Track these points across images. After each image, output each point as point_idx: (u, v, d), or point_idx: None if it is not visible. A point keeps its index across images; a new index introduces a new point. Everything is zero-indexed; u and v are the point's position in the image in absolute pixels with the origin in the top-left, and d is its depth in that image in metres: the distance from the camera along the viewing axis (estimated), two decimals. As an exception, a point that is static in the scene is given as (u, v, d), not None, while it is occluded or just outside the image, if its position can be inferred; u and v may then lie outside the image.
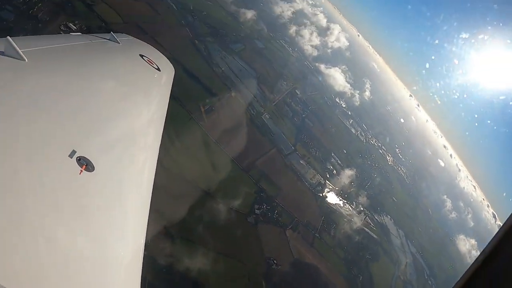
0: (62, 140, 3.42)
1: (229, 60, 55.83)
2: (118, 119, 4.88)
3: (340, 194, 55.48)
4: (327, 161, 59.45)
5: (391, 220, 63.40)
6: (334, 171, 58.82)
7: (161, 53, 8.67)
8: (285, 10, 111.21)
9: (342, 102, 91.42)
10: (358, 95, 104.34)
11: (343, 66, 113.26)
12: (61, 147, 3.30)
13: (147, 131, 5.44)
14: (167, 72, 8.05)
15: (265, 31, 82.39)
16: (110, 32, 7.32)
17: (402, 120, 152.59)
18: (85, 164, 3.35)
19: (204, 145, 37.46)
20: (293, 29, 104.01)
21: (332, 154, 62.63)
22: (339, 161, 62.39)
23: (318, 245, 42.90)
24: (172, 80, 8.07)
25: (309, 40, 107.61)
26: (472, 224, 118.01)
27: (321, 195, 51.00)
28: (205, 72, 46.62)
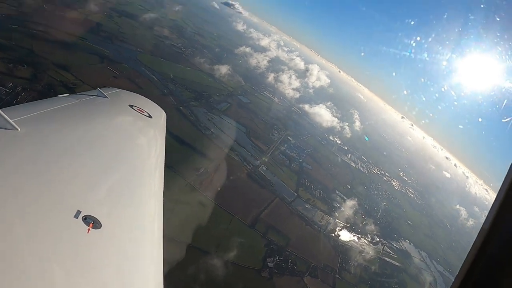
0: (65, 202, 3.44)
1: (217, 120, 57.32)
2: (117, 172, 4.93)
3: (352, 229, 54.74)
4: (333, 200, 59.16)
5: (410, 244, 62.29)
6: (342, 208, 58.30)
7: (149, 100, 8.86)
8: (260, 61, 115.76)
9: (336, 139, 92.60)
10: (348, 127, 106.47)
11: (328, 103, 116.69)
12: (65, 210, 3.32)
13: (149, 178, 5.40)
14: (159, 118, 8.19)
15: (247, 84, 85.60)
16: (97, 88, 7.50)
17: (398, 143, 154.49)
18: (92, 222, 3.36)
19: (205, 207, 37.57)
20: (271, 77, 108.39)
21: (337, 192, 62.48)
22: (344, 197, 62.03)
23: (341, 287, 42.03)
24: (165, 124, 8.23)
25: (289, 84, 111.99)
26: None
27: (333, 235, 50.32)
28: (195, 136, 47.99)
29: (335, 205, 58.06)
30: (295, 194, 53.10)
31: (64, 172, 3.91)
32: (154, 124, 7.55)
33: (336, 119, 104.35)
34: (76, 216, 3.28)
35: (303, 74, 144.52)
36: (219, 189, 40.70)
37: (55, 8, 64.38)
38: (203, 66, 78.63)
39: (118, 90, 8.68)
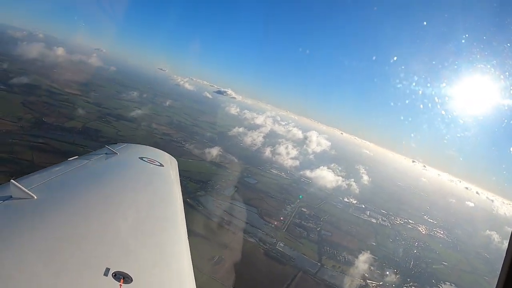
0: (92, 262, 3.50)
1: (226, 206, 57.95)
2: (139, 224, 5.02)
3: (387, 286, 53.23)
4: (360, 261, 57.82)
5: (451, 285, 60.17)
6: (371, 268, 56.91)
7: (158, 149, 9.25)
8: (256, 138, 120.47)
9: (351, 199, 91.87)
10: (355, 183, 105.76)
11: (332, 164, 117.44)
12: (94, 269, 3.37)
13: (171, 225, 5.46)
14: (170, 165, 8.40)
15: (252, 166, 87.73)
16: (104, 146, 7.85)
17: (414, 187, 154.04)
18: (122, 277, 3.38)
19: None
20: (272, 152, 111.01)
21: (363, 252, 61.19)
22: (372, 256, 60.41)
23: None
24: (177, 170, 8.43)
25: (289, 155, 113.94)
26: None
27: (367, 297, 48.92)
28: (205, 226, 48.17)
29: (363, 266, 56.57)
30: (319, 264, 52.10)
31: (86, 234, 4.03)
32: (166, 172, 7.84)
33: (340, 178, 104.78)
34: (105, 274, 3.33)
35: (302, 143, 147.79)
36: (237, 274, 40.55)
37: (54, 119, 68.72)
38: (205, 155, 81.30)
39: (125, 144, 9.00)
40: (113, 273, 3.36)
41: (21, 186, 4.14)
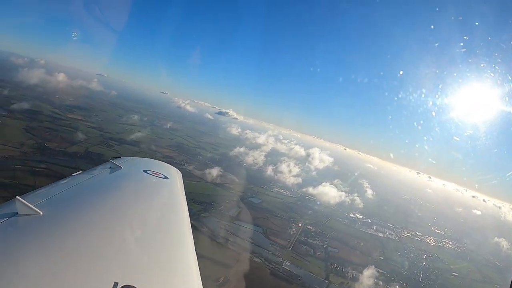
0: (101, 277, 3.49)
1: (231, 227, 57.82)
2: (146, 237, 5.03)
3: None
4: (368, 276, 57.25)
5: None
6: (380, 282, 56.33)
7: (162, 162, 9.27)
8: (257, 157, 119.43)
9: (357, 215, 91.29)
10: (358, 198, 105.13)
11: (335, 180, 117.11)
12: (103, 285, 3.36)
13: (178, 237, 5.52)
14: (175, 177, 8.38)
15: (255, 185, 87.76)
16: (108, 160, 7.86)
17: (420, 198, 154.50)
18: None
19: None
20: (275, 170, 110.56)
21: (370, 267, 60.74)
22: (380, 270, 59.87)
23: None
24: (182, 182, 8.40)
25: (292, 173, 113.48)
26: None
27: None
28: (209, 247, 48.05)
29: (372, 281, 56.14)
30: (326, 281, 51.80)
31: (94, 249, 4.01)
32: (171, 184, 7.82)
33: (344, 193, 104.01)
34: None
35: (305, 160, 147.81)
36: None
37: (56, 145, 69.40)
38: (208, 176, 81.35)
39: (129, 158, 9.04)
40: (122, 287, 3.34)
41: (26, 203, 4.16)
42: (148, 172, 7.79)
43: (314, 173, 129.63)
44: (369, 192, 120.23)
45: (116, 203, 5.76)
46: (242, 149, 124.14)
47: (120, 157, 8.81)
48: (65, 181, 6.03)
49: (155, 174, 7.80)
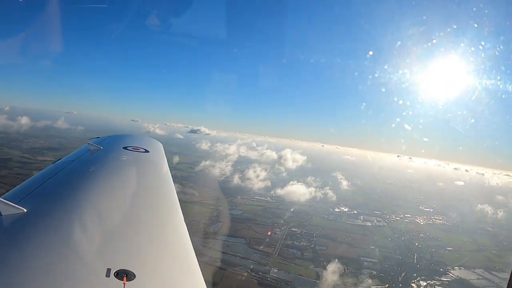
0: (93, 265, 3.44)
1: (214, 244, 56.78)
2: (134, 217, 4.95)
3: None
4: (361, 268, 57.06)
5: (461, 269, 60.54)
6: (373, 272, 56.09)
7: (141, 136, 9.68)
8: (224, 168, 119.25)
9: (343, 208, 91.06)
10: (330, 191, 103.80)
11: (308, 178, 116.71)
12: (95, 273, 3.30)
13: (166, 213, 5.41)
14: (156, 149, 8.66)
15: (236, 197, 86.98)
16: (86, 143, 8.03)
17: (405, 180, 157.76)
18: (125, 275, 3.29)
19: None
20: (240, 178, 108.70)
21: (362, 259, 60.42)
22: (372, 260, 60.22)
23: None
24: (163, 153, 8.62)
25: (260, 178, 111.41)
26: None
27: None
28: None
29: (366, 272, 55.89)
30: (317, 281, 51.29)
31: (82, 238, 3.94)
32: (153, 157, 8.01)
33: (313, 189, 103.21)
34: (107, 275, 3.26)
35: (277, 162, 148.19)
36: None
37: None
38: (186, 197, 79.97)
39: (107, 136, 9.17)
40: (114, 272, 3.28)
41: (8, 202, 4.09)
42: (128, 148, 7.93)
43: (284, 174, 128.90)
44: (344, 183, 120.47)
45: (99, 187, 5.71)
46: (207, 163, 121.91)
47: (98, 137, 8.97)
48: (45, 172, 6.01)
49: (135, 149, 7.95)
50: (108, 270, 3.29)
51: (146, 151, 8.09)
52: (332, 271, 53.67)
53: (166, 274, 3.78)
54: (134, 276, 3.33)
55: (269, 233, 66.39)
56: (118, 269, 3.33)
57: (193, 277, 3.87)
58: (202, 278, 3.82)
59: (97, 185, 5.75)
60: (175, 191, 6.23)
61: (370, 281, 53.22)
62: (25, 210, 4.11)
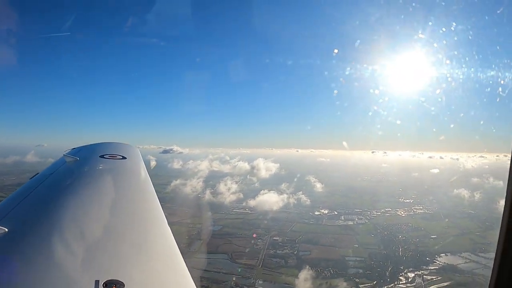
0: (80, 280, 3.32)
1: (195, 263, 55.60)
2: (117, 226, 4.79)
3: (381, 283, 52.70)
4: (347, 268, 57.19)
5: (447, 255, 61.90)
6: (360, 270, 56.24)
7: (117, 142, 9.27)
8: (195, 185, 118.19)
9: (323, 210, 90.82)
10: (304, 196, 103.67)
11: (282, 185, 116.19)
12: (83, 286, 3.21)
13: (149, 218, 5.33)
14: (133, 155, 8.43)
15: (213, 212, 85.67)
16: (62, 155, 7.67)
17: (381, 174, 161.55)
18: (114, 285, 3.23)
19: None
20: (213, 193, 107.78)
21: (347, 258, 60.44)
22: (357, 258, 60.50)
23: None
24: (141, 159, 8.44)
25: (233, 190, 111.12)
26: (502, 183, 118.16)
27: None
28: None
29: (351, 272, 55.82)
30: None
31: (66, 252, 3.83)
32: (131, 164, 7.85)
33: (285, 196, 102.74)
34: (96, 287, 3.18)
35: (250, 173, 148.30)
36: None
37: None
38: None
39: (83, 146, 8.98)
40: (103, 284, 3.19)
41: None
42: (105, 156, 7.79)
43: (257, 184, 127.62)
44: (318, 186, 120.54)
45: (80, 199, 5.51)
46: (178, 181, 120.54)
47: (74, 148, 8.77)
48: (23, 189, 5.87)
49: (112, 157, 7.83)
50: (97, 282, 3.21)
51: (124, 157, 7.97)
52: (313, 276, 53.51)
53: (155, 279, 3.73)
54: (123, 285, 3.26)
55: (254, 235, 65.86)
56: (106, 280, 3.26)
57: (182, 279, 3.80)
58: (191, 279, 3.74)
59: (77, 197, 5.57)
60: (156, 195, 6.14)
61: (357, 280, 53.01)
62: (6, 230, 3.96)
